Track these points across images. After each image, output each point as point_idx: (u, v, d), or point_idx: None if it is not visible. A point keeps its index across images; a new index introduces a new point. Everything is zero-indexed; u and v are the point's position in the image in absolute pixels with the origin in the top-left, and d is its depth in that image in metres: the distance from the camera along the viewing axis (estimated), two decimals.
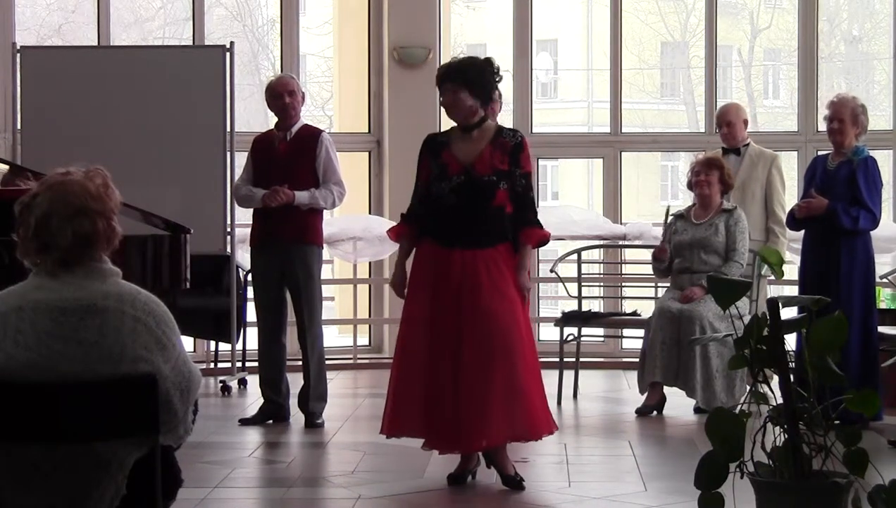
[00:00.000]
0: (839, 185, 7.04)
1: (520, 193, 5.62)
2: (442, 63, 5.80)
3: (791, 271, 9.59)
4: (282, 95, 7.26)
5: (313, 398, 7.24)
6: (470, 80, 5.60)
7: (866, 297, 7.01)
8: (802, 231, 7.32)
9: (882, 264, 8.99)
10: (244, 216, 8.19)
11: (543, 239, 5.74)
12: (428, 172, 5.69)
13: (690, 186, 7.75)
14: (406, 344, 5.67)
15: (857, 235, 7.01)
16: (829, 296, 6.45)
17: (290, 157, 7.23)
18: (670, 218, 7.79)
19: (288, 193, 7.10)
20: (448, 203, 5.60)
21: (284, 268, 7.20)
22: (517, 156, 5.62)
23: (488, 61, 5.70)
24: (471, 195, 5.59)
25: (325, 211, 7.44)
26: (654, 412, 7.58)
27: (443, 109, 8.21)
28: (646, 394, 7.60)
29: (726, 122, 8.19)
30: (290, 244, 7.19)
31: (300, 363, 7.35)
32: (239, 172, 7.69)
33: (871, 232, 7.16)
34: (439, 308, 5.56)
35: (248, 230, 7.53)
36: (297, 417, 7.30)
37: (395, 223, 9.60)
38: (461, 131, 5.69)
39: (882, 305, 8.65)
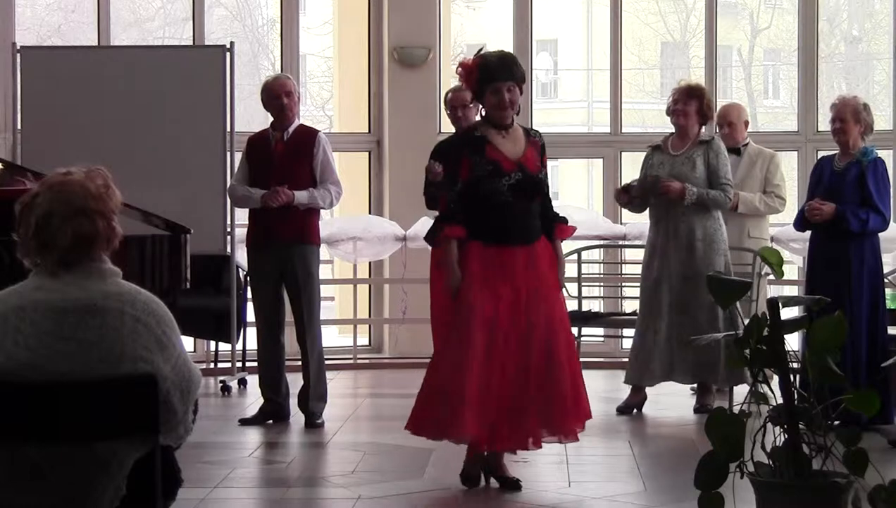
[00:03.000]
0: (848, 186, 6.99)
1: (545, 192, 5.72)
2: (484, 57, 5.59)
3: (791, 270, 9.61)
4: (279, 96, 7.27)
5: (313, 398, 7.24)
6: (523, 77, 5.65)
7: (874, 298, 6.99)
8: (808, 232, 7.31)
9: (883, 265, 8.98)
10: (244, 216, 8.20)
11: (572, 233, 5.90)
12: (469, 169, 5.56)
13: (669, 112, 7.60)
14: (470, 345, 5.46)
15: (864, 236, 6.99)
16: (838, 297, 6.50)
17: (288, 157, 7.23)
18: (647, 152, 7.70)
19: (288, 193, 7.11)
20: (502, 201, 5.54)
21: (283, 268, 7.20)
22: (543, 155, 5.70)
23: None
24: (526, 192, 5.59)
25: (322, 210, 7.45)
26: (635, 411, 7.60)
27: (448, 108, 8.30)
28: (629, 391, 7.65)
29: (728, 122, 8.20)
30: (289, 244, 7.19)
31: (299, 362, 7.35)
32: None
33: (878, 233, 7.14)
34: (505, 308, 5.50)
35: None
36: (297, 417, 7.30)
37: (396, 225, 9.68)
38: (497, 129, 5.61)
39: None
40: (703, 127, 7.61)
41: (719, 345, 7.22)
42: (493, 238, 5.55)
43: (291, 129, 7.30)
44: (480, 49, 5.68)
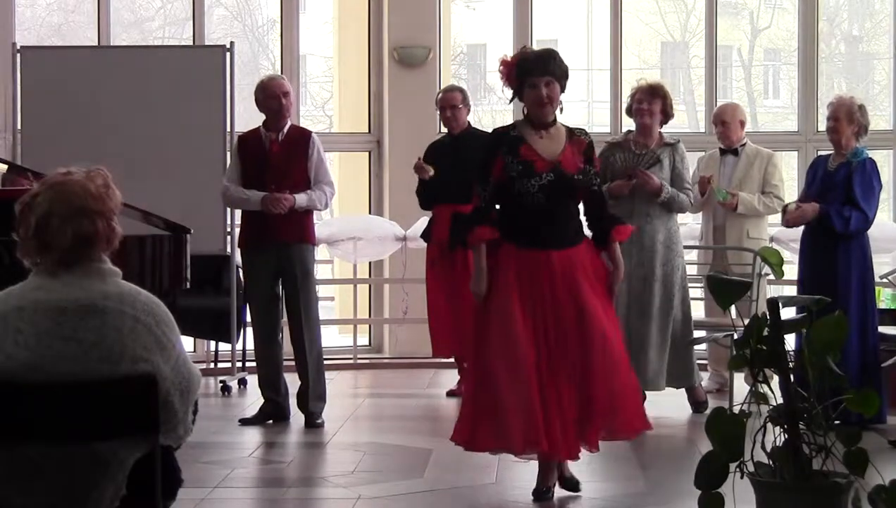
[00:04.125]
0: (837, 186, 7.04)
1: (596, 191, 5.50)
2: (522, 53, 5.45)
3: (790, 270, 9.61)
4: (277, 96, 7.27)
5: (312, 398, 7.24)
6: (564, 73, 5.41)
7: (864, 298, 7.01)
8: (801, 230, 7.33)
9: (882, 265, 8.98)
10: None
11: (630, 233, 5.65)
12: (502, 169, 5.39)
13: (630, 111, 7.50)
14: (509, 355, 5.26)
15: (852, 237, 7.01)
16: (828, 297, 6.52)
17: (284, 158, 7.24)
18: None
19: (289, 197, 7.11)
20: (535, 202, 5.35)
21: (281, 267, 7.21)
22: (590, 154, 5.47)
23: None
24: (561, 194, 5.38)
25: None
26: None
27: (438, 108, 8.29)
28: None
29: (721, 121, 8.21)
30: (286, 244, 7.20)
31: (294, 362, 7.33)
32: None
33: (870, 233, 7.16)
34: (538, 313, 5.31)
35: None
36: (297, 417, 7.30)
37: (396, 225, 9.69)
38: (535, 128, 5.44)
39: (882, 305, 8.67)
40: (663, 126, 7.53)
41: (666, 352, 7.25)
42: (526, 241, 5.36)
43: (286, 129, 7.31)
44: (524, 46, 5.54)
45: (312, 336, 7.27)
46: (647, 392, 7.59)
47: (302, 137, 7.32)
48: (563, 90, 5.43)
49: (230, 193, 7.35)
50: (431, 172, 7.96)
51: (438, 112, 8.36)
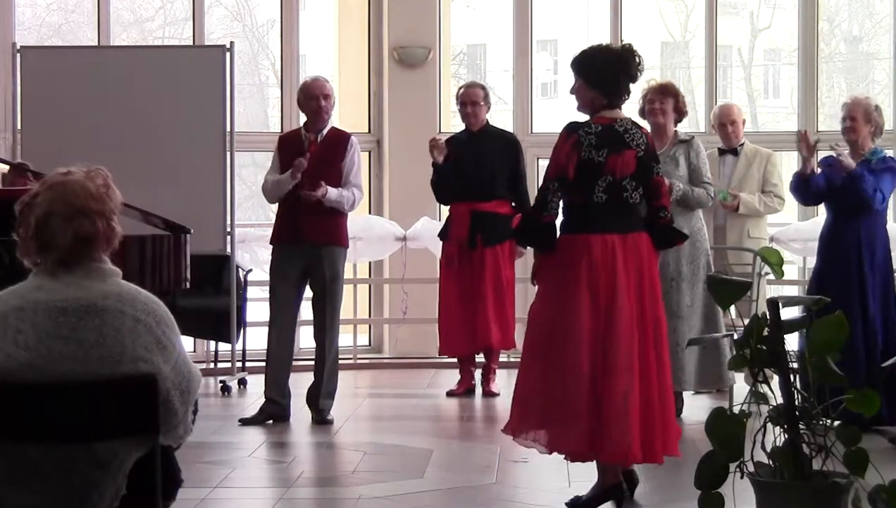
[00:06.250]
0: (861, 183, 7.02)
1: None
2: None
3: (791, 270, 9.61)
4: (317, 98, 7.33)
5: (324, 396, 7.30)
6: (584, 70, 5.37)
7: (886, 298, 6.98)
8: (809, 230, 7.31)
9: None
10: (244, 216, 8.20)
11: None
12: None
13: (643, 113, 7.42)
14: None
15: (875, 233, 7.00)
16: (849, 299, 6.54)
17: (321, 158, 7.28)
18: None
19: (323, 185, 7.12)
20: None
21: (310, 268, 7.23)
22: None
23: (609, 50, 5.44)
24: None
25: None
26: None
27: (458, 103, 8.30)
28: None
29: (730, 120, 8.21)
30: (319, 245, 7.22)
31: (305, 360, 7.35)
32: (239, 172, 7.69)
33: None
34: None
35: (249, 230, 7.55)
36: (297, 417, 7.30)
37: (396, 225, 9.70)
38: None
39: None
40: (677, 125, 7.48)
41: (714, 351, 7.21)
42: None
43: (325, 131, 7.35)
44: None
45: (333, 337, 7.33)
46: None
47: (340, 140, 7.40)
48: (586, 81, 5.35)
49: (267, 185, 7.40)
50: (441, 159, 7.99)
51: (458, 107, 8.36)
